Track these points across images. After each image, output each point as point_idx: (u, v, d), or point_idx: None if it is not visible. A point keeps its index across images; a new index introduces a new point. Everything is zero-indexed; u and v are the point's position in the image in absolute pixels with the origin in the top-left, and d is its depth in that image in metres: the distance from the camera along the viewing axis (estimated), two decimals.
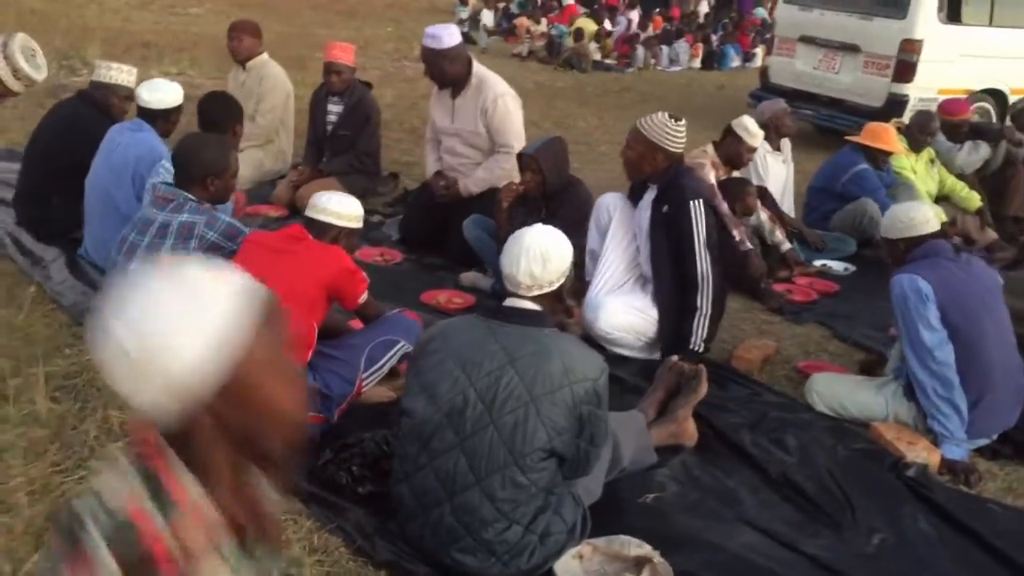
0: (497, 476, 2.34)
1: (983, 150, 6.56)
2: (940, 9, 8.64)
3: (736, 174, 5.40)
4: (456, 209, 4.98)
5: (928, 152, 6.39)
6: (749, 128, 5.13)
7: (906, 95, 8.73)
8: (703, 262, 3.69)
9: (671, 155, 3.77)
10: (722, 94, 13.51)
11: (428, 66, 5.06)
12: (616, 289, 3.94)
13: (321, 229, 3.00)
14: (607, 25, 17.43)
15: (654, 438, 3.15)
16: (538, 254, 2.45)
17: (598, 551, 2.56)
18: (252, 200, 5.60)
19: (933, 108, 6.87)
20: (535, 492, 2.38)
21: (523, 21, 17.24)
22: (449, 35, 5.01)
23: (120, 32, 12.96)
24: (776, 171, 5.85)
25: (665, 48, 17.02)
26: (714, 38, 18.30)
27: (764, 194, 5.55)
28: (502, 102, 5.06)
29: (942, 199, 6.44)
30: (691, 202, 3.70)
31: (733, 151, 5.21)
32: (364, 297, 3.11)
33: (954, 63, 8.74)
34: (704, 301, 3.69)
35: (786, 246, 5.37)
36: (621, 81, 14.35)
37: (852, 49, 9.18)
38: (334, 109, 5.73)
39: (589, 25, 16.16)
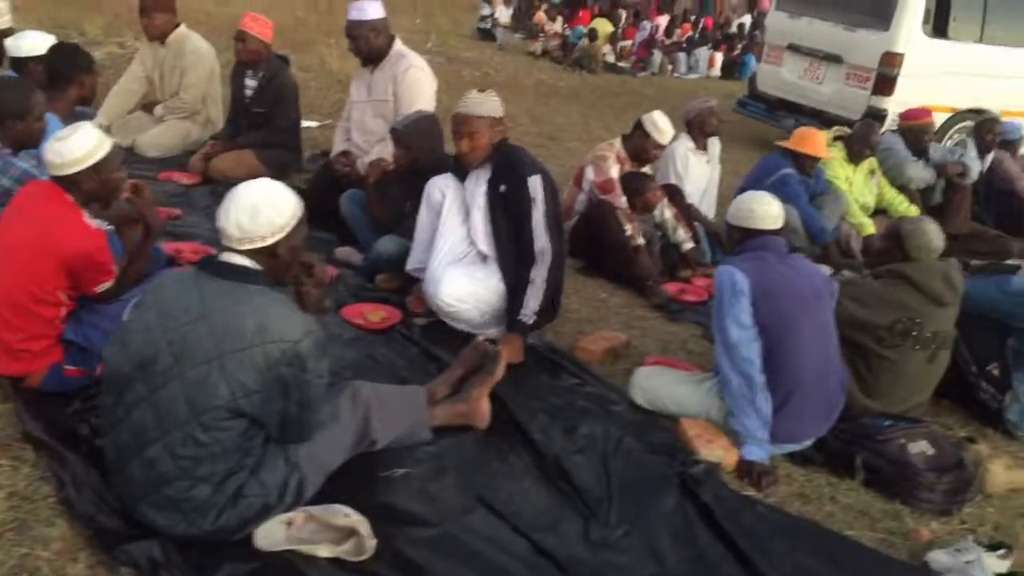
0: (178, 432, 2.29)
1: (930, 174, 6.39)
2: (925, 22, 8.39)
3: (647, 170, 5.32)
4: (353, 188, 4.96)
5: (870, 163, 6.22)
6: (658, 124, 5.03)
7: (885, 109, 8.50)
8: (542, 237, 3.64)
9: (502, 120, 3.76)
10: (725, 104, 13.28)
11: (352, 39, 5.08)
12: (455, 262, 3.85)
13: (66, 184, 2.86)
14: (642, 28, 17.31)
15: (439, 417, 3.08)
16: (248, 205, 2.39)
17: (312, 519, 2.50)
18: (171, 167, 5.69)
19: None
20: (220, 452, 2.32)
21: (541, 16, 17.18)
22: (374, 8, 5.06)
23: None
24: (698, 170, 5.73)
25: (683, 55, 16.88)
26: (740, 47, 18.06)
27: (675, 192, 5.43)
28: (413, 72, 5.07)
29: (880, 212, 6.28)
30: (529, 178, 3.65)
31: (639, 146, 5.11)
32: (102, 288, 2.96)
33: (938, 79, 8.47)
34: (539, 275, 3.64)
35: (688, 245, 5.24)
36: (627, 84, 14.23)
37: (835, 60, 8.99)
38: (250, 84, 5.72)
39: (604, 27, 16.08)
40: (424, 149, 4.28)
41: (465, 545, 2.51)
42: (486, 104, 3.73)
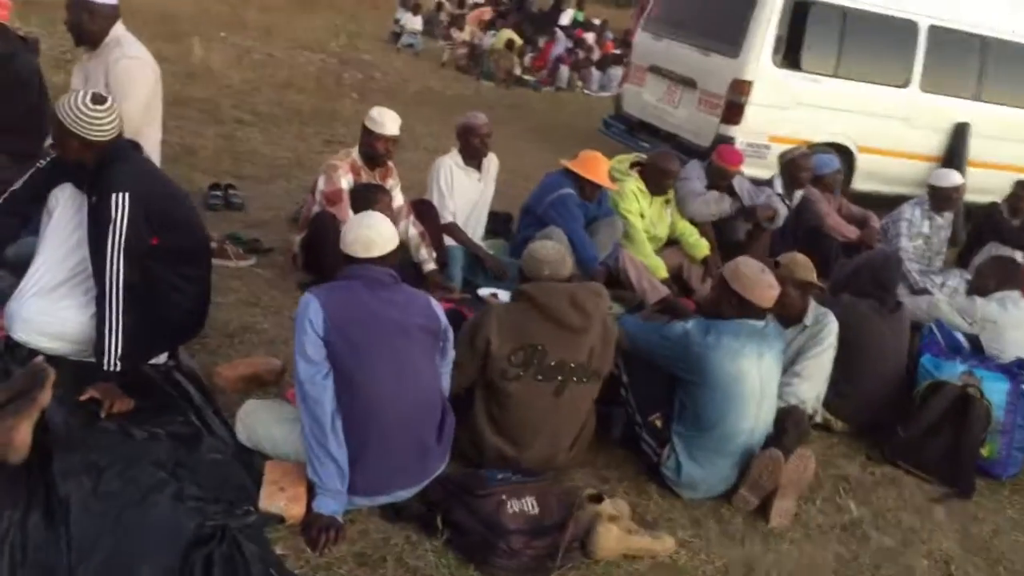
0: None
1: (724, 204, 6.05)
2: (776, 52, 8.08)
3: (392, 183, 4.98)
4: None
5: (668, 192, 5.91)
6: (373, 116, 4.80)
7: (733, 138, 8.22)
8: (114, 265, 3.15)
9: (91, 144, 3.22)
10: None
11: (68, 13, 4.72)
12: (51, 290, 3.35)
13: None
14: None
15: None
16: None
17: None
18: None
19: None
20: None
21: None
22: None
23: None
24: (465, 187, 5.39)
25: (597, 72, 16.63)
26: None
27: (427, 209, 5.11)
28: (124, 63, 4.67)
29: (673, 243, 5.99)
30: (114, 195, 3.16)
31: (367, 144, 4.85)
32: None
33: (790, 110, 8.22)
34: (114, 312, 3.15)
35: (430, 266, 4.91)
36: (523, 97, 13.93)
37: (690, 84, 8.71)
38: None
39: (516, 38, 15.76)
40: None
41: None
42: (76, 123, 3.20)
